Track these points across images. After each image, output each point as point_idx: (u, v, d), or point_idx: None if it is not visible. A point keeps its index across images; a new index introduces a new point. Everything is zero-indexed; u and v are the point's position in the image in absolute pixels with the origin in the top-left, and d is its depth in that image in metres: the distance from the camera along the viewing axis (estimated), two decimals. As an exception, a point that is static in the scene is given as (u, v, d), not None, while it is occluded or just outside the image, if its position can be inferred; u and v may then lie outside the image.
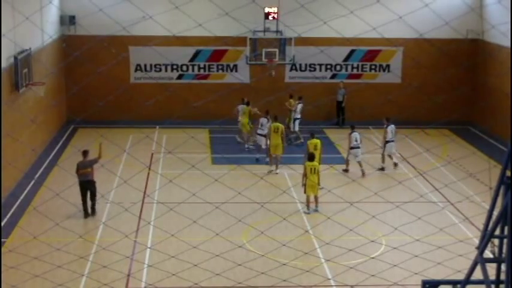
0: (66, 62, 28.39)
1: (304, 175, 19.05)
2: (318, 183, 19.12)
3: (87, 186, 18.54)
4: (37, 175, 22.31)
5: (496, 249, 8.54)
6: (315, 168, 19.05)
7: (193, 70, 30.28)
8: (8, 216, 18.85)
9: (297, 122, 26.71)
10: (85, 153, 18.72)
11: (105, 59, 27.89)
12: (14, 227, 18.04)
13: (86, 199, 18.60)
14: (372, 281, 14.23)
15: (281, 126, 22.61)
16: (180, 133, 24.82)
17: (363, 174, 22.33)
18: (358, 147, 22.84)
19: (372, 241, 16.86)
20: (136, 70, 30.02)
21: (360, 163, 22.69)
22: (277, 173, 22.30)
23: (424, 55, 29.78)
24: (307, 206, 19.15)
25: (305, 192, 19.12)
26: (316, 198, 19.22)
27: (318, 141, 21.30)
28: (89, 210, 18.72)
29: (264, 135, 23.54)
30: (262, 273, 13.53)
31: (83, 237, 15.44)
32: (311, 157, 19.46)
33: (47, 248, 14.79)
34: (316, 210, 19.14)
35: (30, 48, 22.63)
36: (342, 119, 29.44)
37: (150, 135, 26.73)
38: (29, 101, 23.22)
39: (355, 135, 23.01)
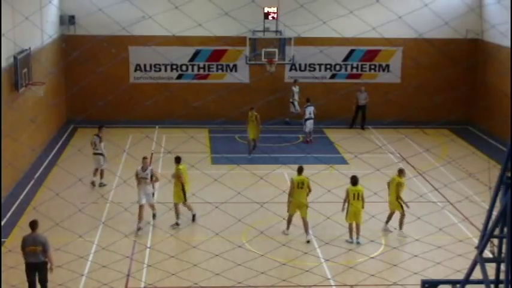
0: (65, 61, 28.40)
1: (345, 201, 17.34)
2: (362, 206, 17.34)
3: (36, 270, 13.99)
4: (37, 175, 22.32)
5: (496, 249, 8.56)
6: (358, 194, 17.22)
7: (192, 70, 30.30)
8: (8, 216, 18.86)
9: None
10: (33, 224, 14.08)
11: (105, 59, 27.90)
12: (14, 227, 18.05)
13: (34, 285, 14.10)
14: (372, 281, 14.24)
15: (307, 180, 17.64)
16: (179, 133, 24.81)
17: (308, 141, 26.93)
18: (311, 119, 26.69)
19: (372, 241, 16.88)
20: (136, 70, 30.03)
21: (310, 133, 26.94)
22: (308, 241, 17.44)
23: (424, 55, 29.80)
24: (350, 234, 17.45)
25: (346, 219, 17.42)
26: (358, 227, 17.37)
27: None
28: None
29: (100, 154, 21.29)
30: (262, 273, 13.55)
31: (83, 237, 15.45)
32: (354, 181, 17.37)
33: (47, 248, 14.78)
34: (358, 243, 17.30)
35: (29, 48, 22.64)
36: (362, 123, 29.38)
37: (149, 135, 26.73)
38: (29, 100, 23.23)
39: (309, 109, 26.79)
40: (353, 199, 17.15)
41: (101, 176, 21.40)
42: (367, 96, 29.13)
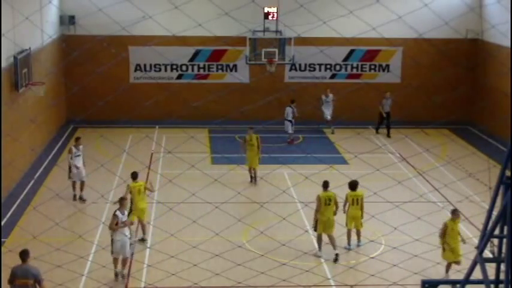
0: (65, 61, 28.40)
1: (344, 205, 16.97)
2: (361, 216, 16.91)
3: None
4: (37, 175, 22.32)
5: (496, 249, 8.56)
6: (357, 199, 16.83)
7: (192, 70, 30.31)
8: (7, 216, 18.87)
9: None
10: (24, 255, 12.73)
11: (105, 59, 27.89)
12: (14, 227, 18.06)
13: None
14: (372, 281, 14.24)
15: (334, 196, 16.59)
16: (179, 133, 24.82)
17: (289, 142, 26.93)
18: (287, 120, 26.65)
19: (372, 241, 16.88)
20: (136, 70, 30.05)
21: (290, 134, 26.84)
22: (337, 259, 16.43)
23: (424, 55, 29.81)
24: (348, 241, 17.09)
25: (346, 225, 17.02)
26: (358, 232, 17.14)
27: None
28: None
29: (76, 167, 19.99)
30: (262, 273, 13.54)
31: (83, 237, 15.44)
32: (352, 186, 16.90)
33: (47, 248, 14.80)
34: (359, 245, 17.17)
35: (29, 48, 22.65)
36: (388, 130, 28.45)
37: (149, 135, 26.73)
38: (29, 100, 23.24)
39: (287, 109, 26.74)
40: (352, 204, 16.81)
41: (74, 188, 20.23)
42: (391, 103, 28.23)
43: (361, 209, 16.86)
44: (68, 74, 29.11)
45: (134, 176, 17.37)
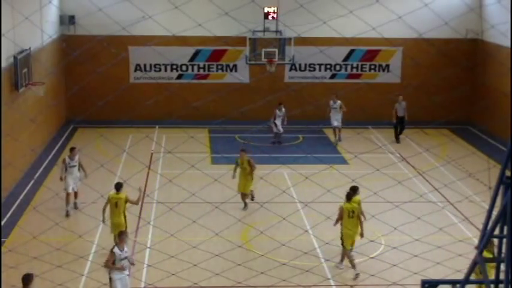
0: (65, 61, 28.40)
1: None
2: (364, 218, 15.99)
3: None
4: (37, 175, 22.33)
5: (496, 249, 8.55)
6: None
7: (192, 70, 30.31)
8: (7, 216, 18.87)
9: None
10: (27, 279, 11.91)
11: (105, 59, 27.91)
12: (14, 227, 18.06)
13: None
14: (372, 281, 14.25)
15: (357, 207, 15.67)
16: (179, 133, 24.82)
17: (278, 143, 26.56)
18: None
19: (372, 241, 16.86)
20: (135, 70, 30.05)
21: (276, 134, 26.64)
22: (341, 269, 15.96)
23: (424, 55, 29.81)
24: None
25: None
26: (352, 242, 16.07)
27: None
28: None
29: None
30: (262, 273, 13.55)
31: (83, 237, 15.44)
32: (351, 195, 15.82)
33: (47, 248, 14.81)
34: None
35: (29, 48, 22.65)
36: (398, 136, 27.55)
37: (149, 135, 26.73)
38: (29, 100, 23.24)
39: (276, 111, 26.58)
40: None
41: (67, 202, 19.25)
42: (405, 106, 27.34)
43: (359, 221, 15.85)
44: (68, 74, 29.12)
45: (117, 186, 16.18)
